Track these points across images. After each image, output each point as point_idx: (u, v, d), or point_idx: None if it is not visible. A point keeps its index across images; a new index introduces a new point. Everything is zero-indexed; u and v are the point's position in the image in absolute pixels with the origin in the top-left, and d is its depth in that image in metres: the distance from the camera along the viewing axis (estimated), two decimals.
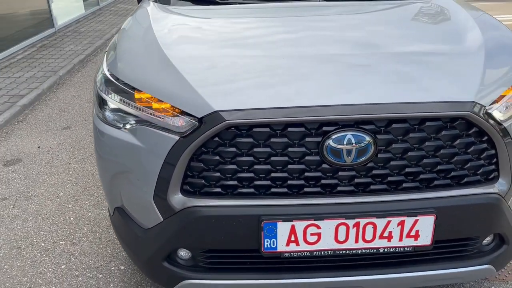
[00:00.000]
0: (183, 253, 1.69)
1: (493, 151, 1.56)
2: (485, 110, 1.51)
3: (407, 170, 1.53)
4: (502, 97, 1.59)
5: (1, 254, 2.45)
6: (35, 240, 2.56)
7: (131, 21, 2.29)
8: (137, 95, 1.63)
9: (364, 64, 1.66)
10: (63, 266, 2.34)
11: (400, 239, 1.56)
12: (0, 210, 2.86)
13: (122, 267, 2.31)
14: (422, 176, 1.55)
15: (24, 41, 6.79)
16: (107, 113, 1.73)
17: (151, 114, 1.58)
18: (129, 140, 1.63)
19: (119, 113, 1.69)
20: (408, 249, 1.58)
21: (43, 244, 2.52)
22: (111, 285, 2.20)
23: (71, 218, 2.75)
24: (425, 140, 1.50)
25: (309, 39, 1.90)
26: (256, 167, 1.51)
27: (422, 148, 1.51)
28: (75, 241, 2.54)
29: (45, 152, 3.62)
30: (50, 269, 2.32)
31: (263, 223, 1.50)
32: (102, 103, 1.76)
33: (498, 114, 1.55)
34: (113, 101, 1.70)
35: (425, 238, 1.56)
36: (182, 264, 1.69)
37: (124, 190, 1.74)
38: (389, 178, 1.54)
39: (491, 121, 1.52)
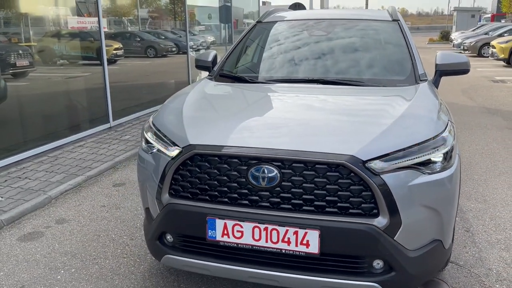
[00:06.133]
0: (169, 237, 2.58)
1: (369, 193, 2.18)
2: (362, 163, 2.17)
3: (303, 196, 2.24)
4: (385, 155, 2.22)
5: (87, 238, 3.62)
6: (109, 233, 3.69)
7: (188, 87, 3.41)
8: (159, 133, 2.67)
9: (296, 124, 2.47)
10: (119, 251, 3.40)
11: (296, 245, 2.24)
12: (98, 212, 4.11)
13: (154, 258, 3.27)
14: (315, 202, 2.23)
15: None
16: (143, 144, 2.79)
17: (161, 144, 2.59)
18: (150, 160, 2.65)
19: (149, 144, 2.73)
20: (302, 254, 2.24)
21: (113, 236, 3.64)
22: (139, 266, 3.17)
23: (138, 224, 3.85)
24: (315, 177, 2.21)
25: (279, 108, 2.76)
26: (208, 181, 2.38)
27: (313, 182, 2.22)
28: (133, 237, 3.60)
29: None
30: (111, 250, 3.40)
31: (207, 218, 2.34)
32: (144, 139, 2.84)
33: (375, 167, 2.18)
34: (147, 137, 2.76)
35: (314, 247, 2.21)
36: (166, 244, 2.58)
37: (148, 193, 2.74)
38: (292, 201, 2.26)
39: (368, 171, 2.17)
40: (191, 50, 10.72)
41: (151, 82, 9.40)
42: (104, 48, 6.89)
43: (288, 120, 2.56)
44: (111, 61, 9.12)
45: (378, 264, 2.28)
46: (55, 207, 4.24)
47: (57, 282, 3.00)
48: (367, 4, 41.61)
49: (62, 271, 3.13)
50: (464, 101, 9.77)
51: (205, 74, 11.85)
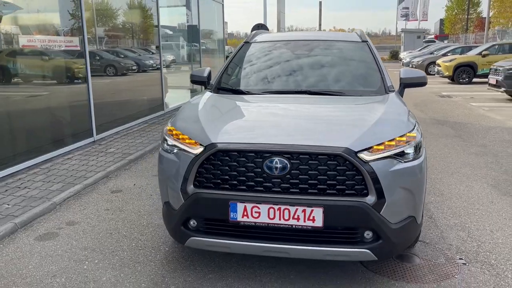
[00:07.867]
0: (192, 222, 3.05)
1: (360, 177, 2.77)
2: (354, 153, 2.76)
3: (309, 181, 2.80)
4: (371, 147, 2.83)
5: (100, 235, 3.99)
6: (120, 231, 4.09)
7: (193, 98, 3.93)
8: (180, 136, 3.15)
9: (300, 125, 3.04)
10: (133, 244, 3.81)
11: (304, 221, 2.78)
12: (103, 215, 4.48)
13: (167, 248, 3.70)
14: (318, 186, 2.80)
15: (140, 119, 9.06)
16: (165, 145, 3.27)
17: (183, 144, 3.08)
18: (173, 159, 3.13)
19: (170, 145, 3.21)
20: (310, 228, 2.78)
21: (124, 233, 4.04)
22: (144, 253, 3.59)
23: (144, 222, 4.26)
24: (318, 166, 2.78)
25: (279, 113, 3.33)
26: (229, 173, 2.89)
27: (317, 170, 2.78)
28: (142, 233, 4.02)
29: (137, 188, 5.31)
30: (126, 244, 3.80)
31: (229, 202, 2.84)
32: (164, 140, 3.31)
33: (364, 156, 2.78)
34: (168, 138, 3.24)
35: (319, 222, 2.76)
36: (190, 228, 3.06)
37: (168, 188, 3.19)
38: (300, 185, 2.81)
39: (359, 160, 2.76)
40: (152, 68, 10.92)
41: (126, 99, 9.71)
42: (89, 66, 7.23)
43: (293, 122, 3.13)
44: (78, 80, 9.22)
45: (368, 234, 2.86)
46: (61, 212, 4.57)
47: (85, 271, 3.37)
48: (320, 25, 43.43)
49: (87, 262, 3.50)
50: (417, 114, 10.74)
51: (174, 91, 12.27)
